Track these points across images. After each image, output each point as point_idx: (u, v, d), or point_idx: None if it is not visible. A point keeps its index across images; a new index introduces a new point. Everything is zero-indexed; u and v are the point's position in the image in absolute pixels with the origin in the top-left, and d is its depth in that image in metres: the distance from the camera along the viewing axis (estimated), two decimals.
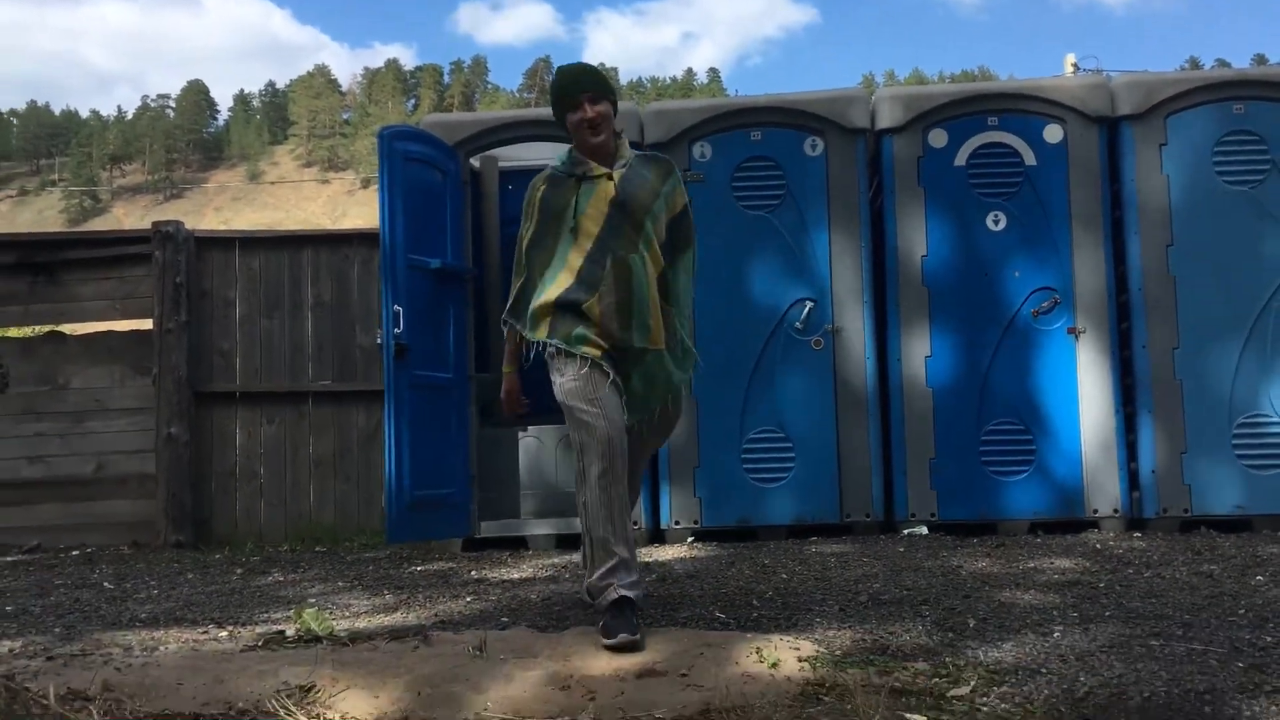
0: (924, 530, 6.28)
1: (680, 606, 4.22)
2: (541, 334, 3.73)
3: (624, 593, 3.52)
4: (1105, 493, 6.25)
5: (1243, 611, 3.83)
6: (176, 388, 7.57)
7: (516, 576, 5.35)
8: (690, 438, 6.38)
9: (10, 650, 3.83)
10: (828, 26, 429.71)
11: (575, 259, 3.73)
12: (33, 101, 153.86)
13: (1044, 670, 3.12)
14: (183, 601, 4.98)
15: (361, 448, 7.68)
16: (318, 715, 2.83)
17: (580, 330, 3.66)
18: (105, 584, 5.68)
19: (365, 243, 7.79)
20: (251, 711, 2.88)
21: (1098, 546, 5.61)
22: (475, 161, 7.24)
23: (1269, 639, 3.40)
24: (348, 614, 4.45)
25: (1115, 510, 6.24)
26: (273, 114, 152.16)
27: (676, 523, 6.42)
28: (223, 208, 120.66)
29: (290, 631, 3.91)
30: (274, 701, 2.89)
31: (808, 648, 3.41)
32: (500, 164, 7.49)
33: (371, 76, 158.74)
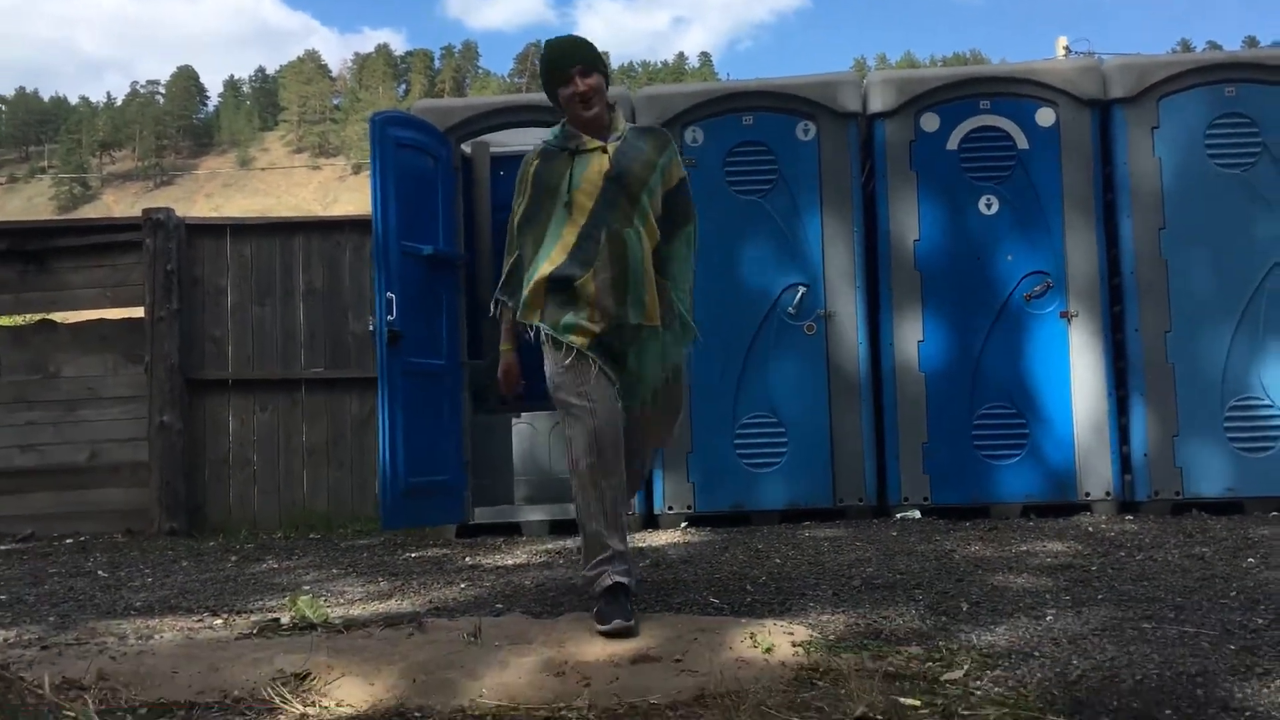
0: (917, 514, 6.30)
1: (674, 592, 4.23)
2: (534, 318, 3.68)
3: (618, 579, 3.51)
4: (1097, 476, 6.27)
5: (1234, 594, 3.85)
6: (169, 376, 7.56)
7: (511, 563, 5.36)
8: (683, 423, 6.37)
9: (4, 639, 3.83)
10: (819, 10, 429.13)
11: (569, 234, 3.65)
12: (21, 88, 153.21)
13: (1037, 653, 3.14)
14: (177, 589, 4.98)
15: (354, 434, 7.68)
16: (313, 703, 2.84)
17: (570, 318, 3.60)
18: (99, 572, 5.68)
19: (357, 229, 7.77)
20: (247, 699, 2.88)
21: (1090, 529, 5.63)
22: (467, 147, 7.22)
23: (1260, 621, 3.42)
24: (342, 601, 4.46)
25: (1107, 493, 6.26)
26: (263, 100, 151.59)
27: (670, 508, 6.43)
28: (213, 194, 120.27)
29: (285, 619, 3.91)
30: (269, 689, 2.90)
31: (801, 632, 3.42)
32: (492, 149, 7.47)
33: (362, 62, 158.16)
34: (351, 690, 2.91)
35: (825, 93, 6.53)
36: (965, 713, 2.61)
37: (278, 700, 2.82)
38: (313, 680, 3.00)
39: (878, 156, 6.54)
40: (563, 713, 2.71)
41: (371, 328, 6.19)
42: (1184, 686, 2.77)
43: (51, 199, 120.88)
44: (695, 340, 3.88)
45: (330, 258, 7.79)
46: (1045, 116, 6.42)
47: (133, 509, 7.60)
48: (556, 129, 3.85)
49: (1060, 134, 6.40)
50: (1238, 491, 6.16)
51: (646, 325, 3.67)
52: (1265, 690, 2.71)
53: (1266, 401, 6.19)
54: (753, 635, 3.31)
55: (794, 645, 3.24)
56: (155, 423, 7.53)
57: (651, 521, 6.51)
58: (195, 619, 4.17)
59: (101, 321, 7.94)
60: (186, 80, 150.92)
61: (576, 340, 3.58)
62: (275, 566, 5.69)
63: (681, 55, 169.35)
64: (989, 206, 6.41)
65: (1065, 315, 6.32)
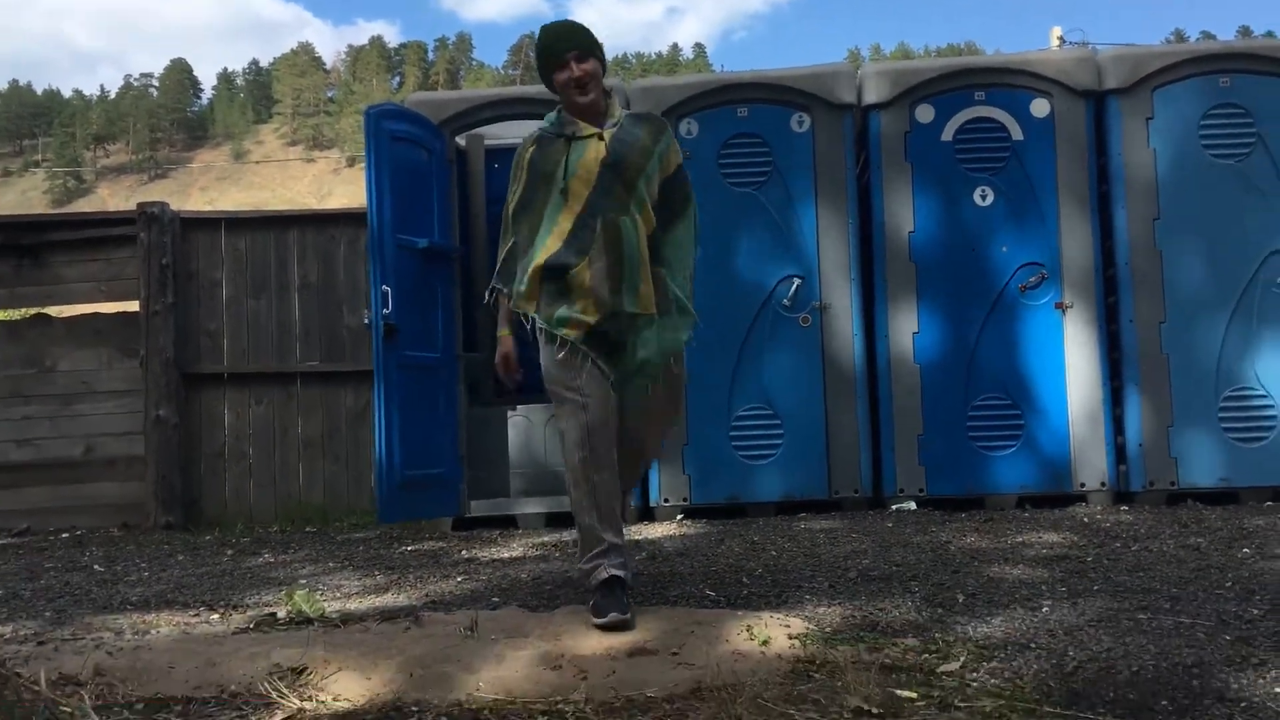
0: (912, 506, 6.31)
1: (670, 584, 4.23)
2: (529, 308, 3.64)
3: (614, 572, 3.51)
4: (1092, 466, 6.28)
5: (1229, 584, 3.86)
6: (164, 369, 7.55)
7: (507, 556, 5.36)
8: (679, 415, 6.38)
9: (0, 635, 3.83)
10: (812, 0, 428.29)
11: (565, 222, 3.61)
12: (14, 81, 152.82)
13: (1033, 645, 3.14)
14: (173, 584, 4.98)
15: (350, 428, 7.67)
16: (310, 697, 2.84)
17: (563, 311, 3.57)
18: (95, 567, 5.68)
19: (351, 223, 7.77)
20: (243, 694, 2.88)
21: (1085, 520, 5.64)
22: (461, 140, 7.21)
23: (1255, 611, 3.43)
24: (339, 595, 4.46)
25: (1102, 484, 6.27)
26: (257, 92, 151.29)
27: (665, 500, 6.43)
28: (208, 187, 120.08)
29: (282, 613, 3.91)
30: (266, 684, 2.89)
31: (798, 625, 3.42)
32: (486, 142, 7.46)
33: (356, 54, 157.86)
34: (348, 684, 2.91)
35: (820, 84, 6.52)
36: (962, 705, 2.61)
37: (274, 695, 2.82)
38: (309, 675, 3.00)
39: (873, 148, 6.54)
40: (560, 706, 2.71)
41: (367, 321, 6.19)
42: (1180, 677, 2.78)
43: (45, 192, 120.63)
44: (695, 325, 3.80)
45: (325, 251, 7.78)
46: (1040, 107, 6.42)
47: (128, 503, 7.59)
48: (552, 115, 3.78)
49: (1055, 125, 6.40)
50: (1232, 481, 6.17)
51: (643, 315, 3.62)
52: (1261, 681, 2.72)
53: (1261, 392, 6.19)
54: (749, 628, 3.32)
55: (790, 638, 3.24)
56: (151, 417, 7.52)
57: (647, 514, 6.52)
58: (192, 614, 4.17)
59: (96, 316, 7.94)
60: (180, 73, 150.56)
61: (569, 334, 3.55)
62: (271, 560, 5.69)
63: (675, 46, 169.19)
64: (984, 198, 6.41)
65: (1060, 306, 6.33)
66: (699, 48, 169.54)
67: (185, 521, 7.49)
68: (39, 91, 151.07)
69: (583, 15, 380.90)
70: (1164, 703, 2.60)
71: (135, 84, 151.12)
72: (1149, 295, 6.27)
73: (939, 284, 6.41)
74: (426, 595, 4.32)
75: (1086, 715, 2.53)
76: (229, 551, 6.12)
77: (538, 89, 6.79)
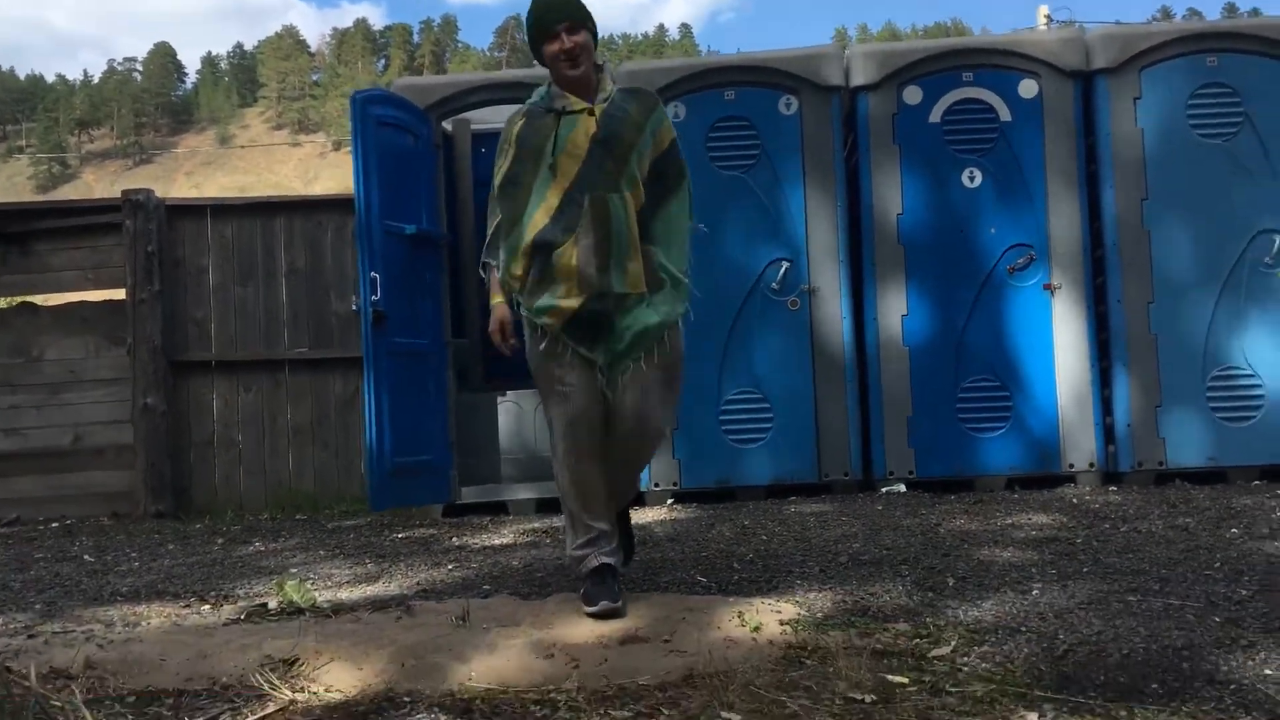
0: (902, 488, 6.32)
1: (661, 571, 4.23)
2: (517, 285, 3.55)
3: (604, 559, 3.51)
4: (1081, 447, 6.29)
5: (1218, 565, 3.87)
6: (152, 358, 7.52)
7: (498, 543, 5.36)
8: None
9: None
10: None
11: (552, 198, 3.51)
12: None
13: (1023, 629, 3.15)
14: (164, 574, 4.97)
15: (339, 414, 7.66)
16: (302, 689, 2.83)
17: (545, 300, 3.48)
18: (86, 557, 5.66)
19: (338, 209, 7.73)
20: (235, 686, 2.87)
21: (1074, 501, 5.66)
22: (448, 125, 7.18)
23: (1244, 592, 3.44)
24: (330, 584, 4.45)
25: (1091, 464, 6.28)
26: (241, 76, 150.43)
27: (656, 485, 6.43)
28: (193, 172, 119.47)
29: (273, 604, 3.90)
30: (258, 676, 2.89)
31: (789, 610, 3.43)
32: (473, 126, 7.43)
33: (340, 37, 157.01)
34: (340, 675, 2.91)
35: (807, 66, 6.50)
36: (953, 689, 2.62)
37: (266, 687, 2.82)
38: (301, 666, 2.99)
39: (860, 130, 6.53)
40: (552, 695, 2.71)
41: (355, 307, 6.17)
42: (1170, 660, 2.79)
43: (30, 178, 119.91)
44: (691, 297, 3.67)
45: (312, 237, 7.74)
46: (1028, 88, 6.41)
47: (118, 492, 7.57)
48: (542, 90, 3.68)
49: (1043, 105, 6.40)
50: (1220, 461, 6.19)
51: (633, 294, 3.51)
52: (1250, 663, 2.73)
53: (1248, 371, 6.21)
54: (740, 614, 3.32)
55: (782, 624, 3.25)
56: (139, 405, 7.50)
57: (637, 498, 6.50)
58: (183, 604, 4.16)
59: (83, 304, 7.90)
60: (164, 57, 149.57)
61: (550, 323, 3.48)
62: (262, 549, 5.68)
63: (662, 27, 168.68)
64: (972, 179, 6.41)
65: (1048, 287, 6.33)
66: (685, 28, 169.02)
67: (175, 510, 7.47)
68: (21, 77, 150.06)
69: None
70: (1154, 685, 2.61)
71: (119, 68, 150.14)
72: (1137, 275, 6.28)
73: (928, 266, 6.41)
74: (418, 584, 4.32)
75: (1077, 699, 2.54)
76: (219, 540, 6.11)
77: (524, 72, 6.79)
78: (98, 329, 7.76)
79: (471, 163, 7.43)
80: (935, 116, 6.44)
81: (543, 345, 3.52)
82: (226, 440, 7.69)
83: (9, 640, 3.45)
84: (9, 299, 8.71)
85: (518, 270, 3.55)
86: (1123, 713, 2.43)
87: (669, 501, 6.41)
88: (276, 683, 2.84)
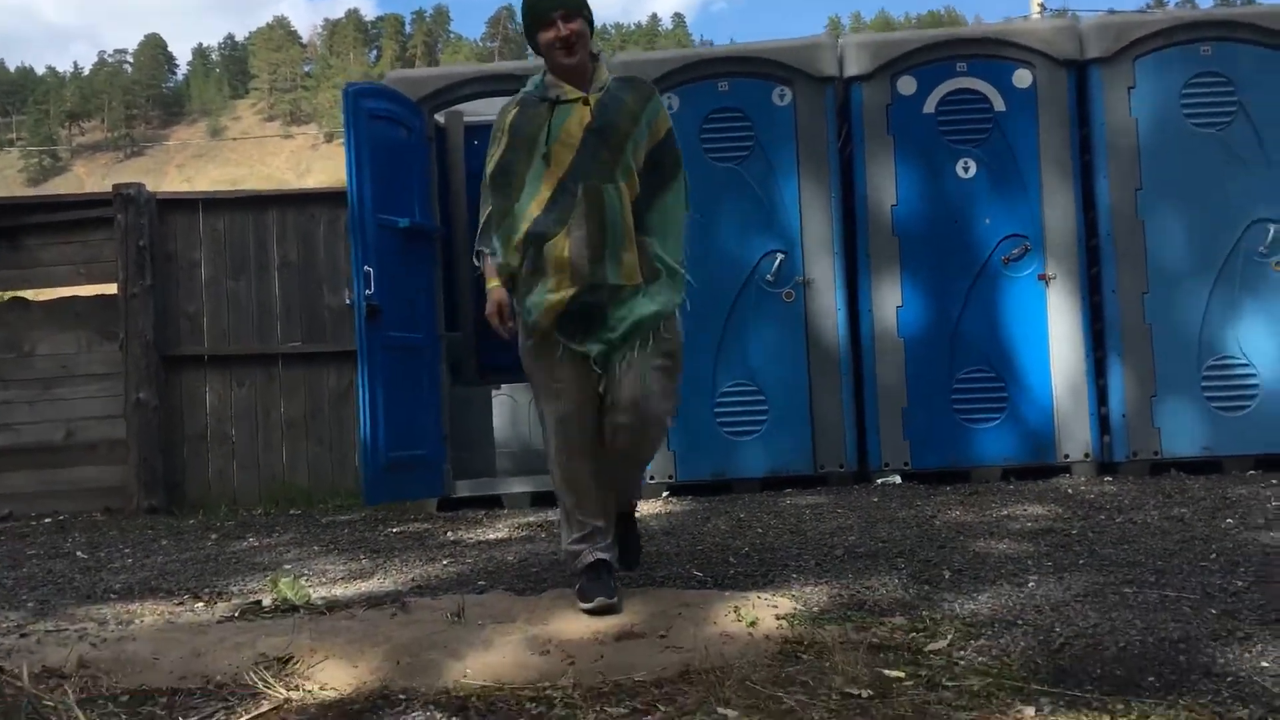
0: (897, 479, 6.32)
1: (657, 565, 4.22)
2: (510, 270, 3.50)
3: (599, 555, 3.50)
4: (1076, 437, 6.29)
5: (1214, 556, 3.87)
6: (144, 352, 7.49)
7: (493, 537, 5.35)
8: None
9: None
10: None
11: (546, 188, 3.45)
12: None
13: (1019, 622, 3.15)
14: (157, 570, 4.95)
15: (333, 408, 7.64)
16: (296, 687, 2.82)
17: (536, 295, 3.43)
18: (79, 553, 5.64)
19: (330, 202, 7.71)
20: (229, 685, 2.86)
21: (1069, 492, 5.66)
22: (440, 117, 7.15)
23: (1240, 584, 3.44)
24: (324, 580, 4.44)
25: (1086, 454, 6.28)
26: (233, 68, 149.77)
27: (651, 477, 6.42)
28: (185, 165, 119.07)
29: (267, 601, 3.89)
30: (252, 674, 2.88)
31: (785, 605, 3.42)
32: (465, 119, 7.40)
33: (332, 28, 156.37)
34: (335, 673, 2.90)
35: (801, 57, 6.48)
36: (949, 684, 2.62)
37: (261, 685, 2.80)
38: (296, 664, 2.98)
39: (854, 121, 6.51)
40: (548, 692, 2.70)
41: (349, 301, 6.15)
42: (1166, 652, 2.79)
43: (21, 170, 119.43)
44: (688, 287, 3.63)
45: (304, 231, 7.71)
46: (1022, 78, 6.40)
47: (111, 487, 7.55)
48: (536, 78, 3.62)
49: (1037, 95, 6.38)
50: (1215, 450, 6.19)
51: (628, 286, 3.45)
52: (1247, 655, 2.73)
53: (1243, 360, 6.21)
54: (736, 609, 3.31)
55: (778, 618, 3.24)
56: (131, 400, 7.47)
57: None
58: (176, 602, 4.15)
59: (75, 299, 7.87)
60: (154, 49, 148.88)
61: (542, 320, 3.43)
62: (256, 544, 5.67)
63: (654, 17, 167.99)
64: (966, 170, 6.39)
65: (1043, 278, 6.33)
66: (678, 18, 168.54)
67: (169, 505, 7.45)
68: (11, 69, 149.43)
69: None
70: (1151, 679, 2.61)
71: (110, 60, 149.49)
72: (1131, 265, 6.27)
73: (922, 257, 6.40)
74: (412, 579, 4.31)
75: (1073, 693, 2.53)
76: (213, 536, 6.09)
77: (517, 64, 6.77)
78: (90, 324, 7.73)
79: (464, 155, 7.40)
80: (929, 107, 6.43)
81: (532, 342, 3.49)
82: (220, 435, 7.66)
83: (1, 640, 3.44)
84: (0, 294, 8.67)
85: (514, 261, 3.50)
86: (1119, 706, 2.42)
87: (664, 494, 6.41)
88: (271, 681, 2.83)
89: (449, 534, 5.54)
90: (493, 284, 3.59)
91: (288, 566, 4.81)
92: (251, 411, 7.67)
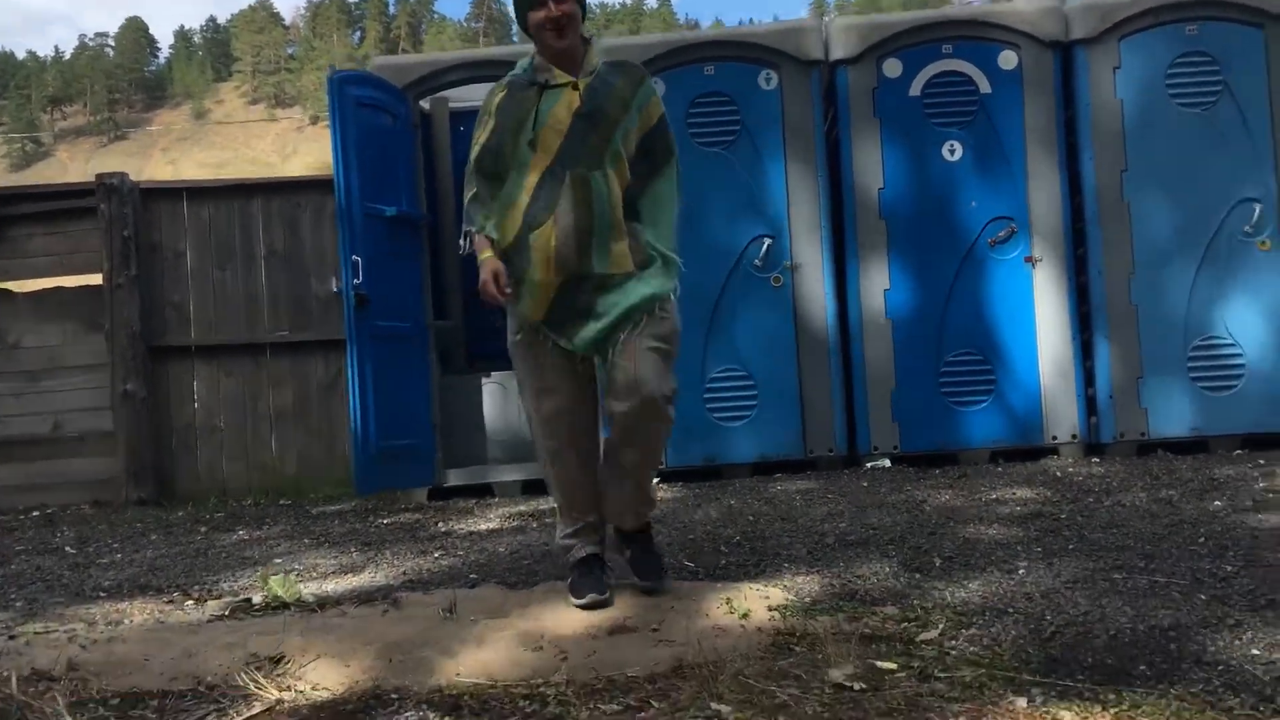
0: (887, 463, 6.33)
1: None
2: (503, 245, 3.40)
3: (590, 550, 3.50)
4: (1063, 419, 6.31)
5: (1203, 540, 3.89)
6: (130, 343, 7.45)
7: (484, 528, 5.34)
8: None
9: None
10: None
11: (532, 175, 3.36)
12: None
13: (1010, 610, 3.16)
14: (147, 566, 4.93)
15: (321, 398, 7.61)
16: (288, 687, 2.81)
17: (523, 287, 3.36)
18: (67, 548, 5.61)
19: (316, 190, 7.65)
20: (221, 686, 2.85)
21: (1058, 474, 5.68)
22: (425, 104, 7.11)
23: (1229, 568, 3.46)
24: (315, 575, 4.42)
25: (1074, 436, 6.30)
26: (215, 50, 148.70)
27: None
28: (169, 148, 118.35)
29: (257, 599, 3.87)
30: (243, 674, 2.87)
31: (777, 596, 3.43)
32: (451, 105, 7.35)
33: (315, 9, 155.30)
34: (327, 672, 2.89)
35: (787, 40, 6.45)
36: (941, 675, 2.62)
37: (252, 686, 2.80)
38: (287, 664, 2.97)
39: (840, 104, 6.49)
40: (541, 689, 2.70)
41: (337, 290, 6.12)
42: (1157, 640, 2.80)
43: (4, 156, 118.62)
44: (680, 272, 3.55)
45: (290, 219, 7.66)
46: (1008, 59, 6.38)
47: (99, 479, 7.51)
48: (525, 61, 3.52)
49: (1023, 77, 6.37)
50: (1202, 430, 6.22)
51: (617, 274, 3.37)
52: (1237, 643, 2.74)
53: (1229, 340, 6.23)
54: (729, 601, 3.32)
55: (770, 610, 3.25)
56: (119, 391, 7.43)
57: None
58: (166, 599, 4.13)
59: (59, 290, 7.80)
60: (136, 31, 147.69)
61: (531, 312, 3.38)
62: (246, 537, 5.64)
63: None
64: (952, 152, 6.38)
65: (1029, 260, 6.33)
66: None
67: (158, 497, 7.41)
68: None
69: None
70: (1142, 667, 2.62)
71: (90, 44, 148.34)
72: (1117, 247, 6.28)
73: (910, 240, 6.39)
74: (404, 573, 4.30)
75: (1065, 682, 2.54)
76: (202, 529, 6.06)
77: (503, 50, 6.73)
78: (75, 315, 7.68)
79: (450, 142, 7.36)
80: (915, 89, 6.41)
81: (519, 337, 3.44)
82: (208, 425, 7.63)
83: None
84: None
85: (505, 240, 3.39)
86: (1111, 696, 2.43)
87: (655, 481, 6.40)
88: (263, 681, 2.82)
89: (440, 525, 5.53)
90: (485, 255, 3.44)
91: (278, 561, 4.80)
92: (240, 401, 7.63)
